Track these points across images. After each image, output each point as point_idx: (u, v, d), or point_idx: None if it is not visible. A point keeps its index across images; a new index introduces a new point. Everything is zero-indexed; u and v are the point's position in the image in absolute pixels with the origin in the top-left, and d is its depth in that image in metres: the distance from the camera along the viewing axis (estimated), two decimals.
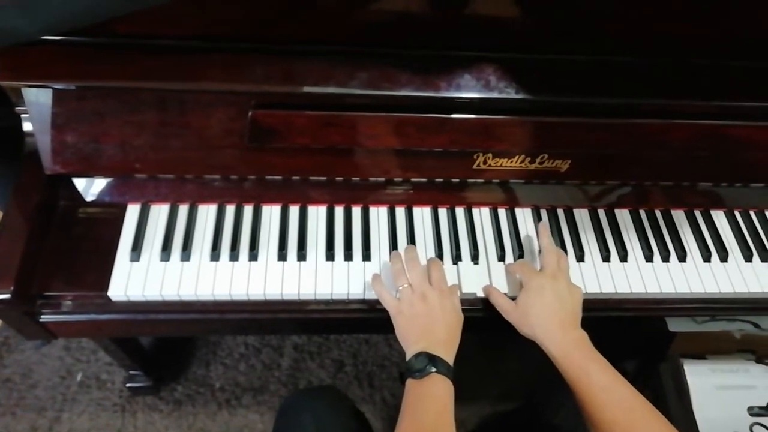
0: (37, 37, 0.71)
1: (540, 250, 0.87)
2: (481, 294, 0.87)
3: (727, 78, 0.85)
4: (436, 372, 0.71)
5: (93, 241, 0.87)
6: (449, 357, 0.75)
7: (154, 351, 1.41)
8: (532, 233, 0.93)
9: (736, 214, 0.99)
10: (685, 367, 1.13)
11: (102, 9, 0.64)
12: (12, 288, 0.77)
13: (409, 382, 0.72)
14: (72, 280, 0.84)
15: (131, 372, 1.31)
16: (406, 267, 0.82)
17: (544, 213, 0.96)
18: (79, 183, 0.88)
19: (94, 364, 1.40)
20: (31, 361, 1.40)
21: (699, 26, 0.81)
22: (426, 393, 0.71)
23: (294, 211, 0.92)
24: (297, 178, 0.89)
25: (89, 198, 0.89)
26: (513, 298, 0.83)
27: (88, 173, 0.87)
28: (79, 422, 1.32)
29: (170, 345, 1.43)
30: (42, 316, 0.83)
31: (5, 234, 0.81)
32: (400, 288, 0.80)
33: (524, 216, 0.95)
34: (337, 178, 0.90)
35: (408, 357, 0.75)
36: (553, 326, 0.76)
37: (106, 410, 1.34)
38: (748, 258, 0.94)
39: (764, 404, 1.09)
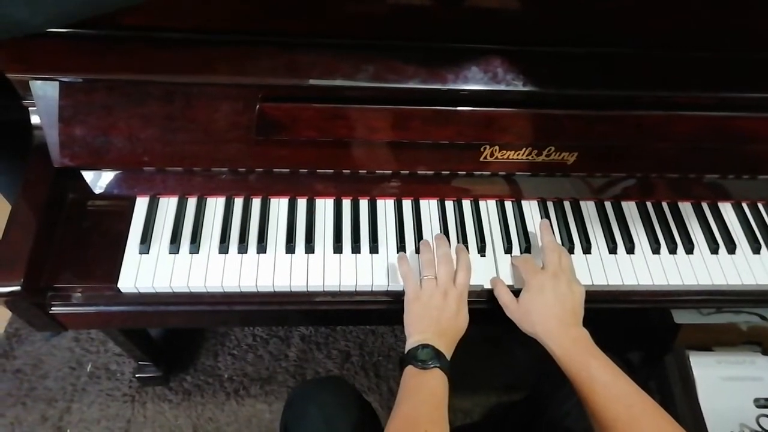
0: (42, 30, 0.71)
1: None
2: (487, 286, 0.87)
3: (733, 70, 0.85)
4: (439, 367, 0.73)
5: (102, 234, 0.87)
6: (449, 355, 0.76)
7: (163, 342, 1.42)
8: (539, 226, 0.93)
9: (744, 206, 0.98)
10: (691, 359, 1.13)
11: (106, 1, 0.63)
12: (22, 280, 0.78)
13: (410, 370, 0.73)
14: (82, 273, 0.84)
15: (141, 363, 1.32)
16: (437, 260, 0.83)
17: (550, 205, 0.96)
18: (88, 176, 0.89)
19: (104, 355, 1.41)
20: (41, 352, 1.41)
21: (704, 18, 0.80)
22: (426, 384, 0.72)
23: (302, 203, 0.92)
24: (304, 170, 0.90)
25: (98, 191, 0.89)
26: (519, 290, 0.83)
27: (97, 166, 0.87)
28: (89, 412, 1.33)
29: (179, 336, 1.44)
30: (52, 308, 0.84)
31: (15, 227, 0.82)
32: (425, 277, 0.81)
33: (531, 208, 0.95)
34: (345, 171, 0.90)
35: (411, 344, 0.76)
36: (553, 324, 0.77)
37: (116, 400, 1.35)
38: (756, 250, 0.93)
39: None
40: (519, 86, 0.80)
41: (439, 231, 0.91)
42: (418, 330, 0.78)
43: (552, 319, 0.77)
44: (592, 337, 0.77)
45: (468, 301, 0.83)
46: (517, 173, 0.92)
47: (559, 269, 0.81)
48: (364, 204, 0.93)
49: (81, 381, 1.37)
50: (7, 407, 1.33)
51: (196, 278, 0.85)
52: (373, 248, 0.89)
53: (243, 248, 0.87)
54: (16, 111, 0.84)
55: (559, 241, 0.91)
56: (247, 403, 1.36)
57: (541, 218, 0.94)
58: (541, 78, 0.81)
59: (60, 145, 0.82)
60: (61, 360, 1.40)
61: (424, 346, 0.74)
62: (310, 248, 0.88)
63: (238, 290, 0.86)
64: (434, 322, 0.78)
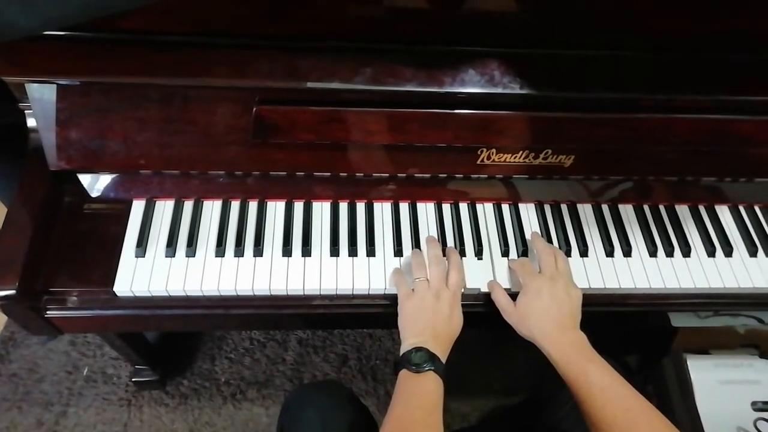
0: (39, 33, 0.71)
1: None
2: (484, 289, 0.87)
3: (731, 73, 0.85)
4: (433, 370, 0.72)
5: (98, 237, 0.87)
6: (444, 358, 0.76)
7: (159, 346, 1.42)
8: (536, 229, 0.93)
9: (741, 209, 0.98)
10: (688, 362, 1.14)
11: (103, 5, 0.63)
12: (17, 284, 0.77)
13: (405, 374, 0.73)
14: (77, 276, 0.84)
15: (137, 366, 1.32)
16: (428, 262, 0.83)
17: (548, 208, 0.95)
18: (84, 179, 0.88)
19: (100, 359, 1.41)
20: (37, 356, 1.41)
21: (702, 21, 0.80)
22: (420, 388, 0.72)
23: (298, 206, 0.92)
24: (301, 173, 0.89)
25: (94, 194, 0.89)
26: (516, 294, 0.83)
27: (93, 169, 0.87)
28: (85, 416, 1.33)
29: (176, 340, 1.44)
30: (48, 312, 0.83)
31: (10, 230, 0.81)
32: (417, 279, 0.81)
33: (528, 211, 0.95)
34: (341, 174, 0.90)
35: (405, 347, 0.76)
36: (550, 328, 0.77)
37: (113, 404, 1.35)
38: (752, 253, 0.93)
39: None
40: (516, 89, 0.80)
41: (436, 234, 0.91)
42: (412, 333, 0.77)
43: (549, 323, 0.77)
44: (590, 340, 0.76)
45: (465, 304, 0.83)
46: (515, 176, 0.92)
47: (556, 273, 0.81)
48: (361, 207, 0.93)
49: (77, 385, 1.37)
50: (3, 412, 1.32)
51: (193, 282, 0.84)
52: (370, 251, 0.89)
53: (240, 251, 0.87)
54: (12, 114, 0.84)
55: (556, 244, 0.91)
56: (244, 407, 1.36)
57: (539, 221, 0.94)
58: (538, 81, 0.81)
59: (56, 148, 0.82)
60: (57, 364, 1.39)
61: (418, 349, 0.74)
62: (306, 251, 0.88)
63: (235, 294, 0.85)
64: (428, 324, 0.77)
